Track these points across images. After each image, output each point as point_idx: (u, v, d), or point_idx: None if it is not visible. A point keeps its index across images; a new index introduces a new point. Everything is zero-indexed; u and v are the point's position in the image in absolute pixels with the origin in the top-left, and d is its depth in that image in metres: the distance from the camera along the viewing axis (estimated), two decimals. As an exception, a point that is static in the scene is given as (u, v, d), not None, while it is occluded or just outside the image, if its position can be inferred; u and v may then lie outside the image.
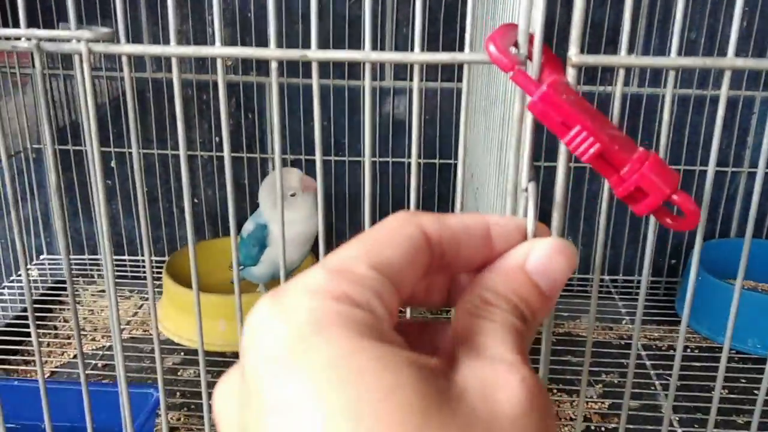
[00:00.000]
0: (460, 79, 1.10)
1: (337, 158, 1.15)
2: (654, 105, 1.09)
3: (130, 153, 1.15)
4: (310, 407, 0.16)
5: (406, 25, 1.08)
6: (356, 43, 1.06)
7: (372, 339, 0.18)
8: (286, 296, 0.19)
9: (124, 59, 0.33)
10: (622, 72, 0.32)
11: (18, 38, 0.33)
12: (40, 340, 0.86)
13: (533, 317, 0.22)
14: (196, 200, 1.18)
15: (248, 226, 0.99)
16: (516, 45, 0.32)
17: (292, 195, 0.94)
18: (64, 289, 1.15)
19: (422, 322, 0.25)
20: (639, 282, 1.18)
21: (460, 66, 1.13)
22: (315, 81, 0.33)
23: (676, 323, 1.08)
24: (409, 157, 1.15)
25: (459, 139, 1.09)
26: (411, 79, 1.10)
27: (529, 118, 0.33)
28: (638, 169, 0.30)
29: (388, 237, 0.21)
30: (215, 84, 1.11)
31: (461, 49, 1.08)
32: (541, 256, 0.23)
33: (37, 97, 1.14)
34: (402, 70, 1.10)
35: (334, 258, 0.20)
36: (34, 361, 0.94)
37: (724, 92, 0.34)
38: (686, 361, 0.97)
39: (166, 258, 1.06)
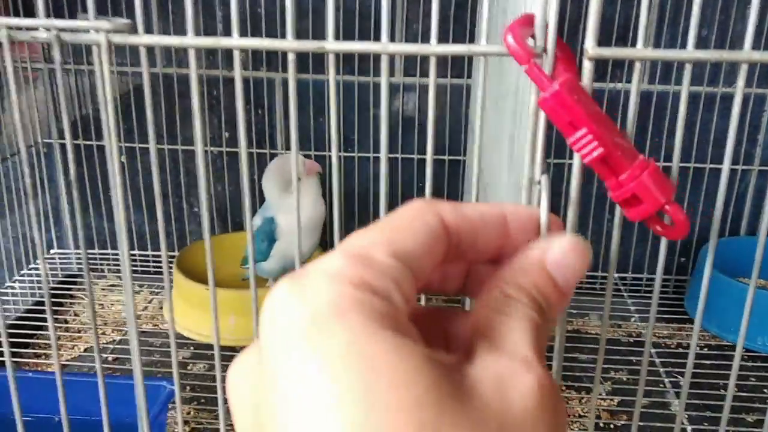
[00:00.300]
0: (469, 76, 1.09)
1: (346, 154, 1.15)
2: (664, 102, 1.08)
3: (141, 148, 1.15)
4: (324, 391, 0.16)
5: (416, 22, 1.08)
6: (366, 38, 1.06)
7: (388, 329, 0.18)
8: (305, 279, 0.19)
9: (142, 50, 0.34)
10: (638, 65, 0.32)
11: (36, 29, 0.33)
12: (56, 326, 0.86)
13: (550, 311, 0.23)
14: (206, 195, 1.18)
15: (256, 221, 0.99)
16: (533, 37, 0.32)
17: (297, 180, 0.94)
18: (75, 283, 1.16)
19: (436, 309, 0.25)
20: (648, 280, 1.18)
21: (470, 62, 1.13)
22: (332, 73, 0.33)
23: (685, 321, 1.08)
24: (419, 153, 1.15)
25: (468, 136, 1.09)
26: (420, 75, 1.10)
27: (543, 111, 0.33)
28: (637, 176, 0.30)
29: (407, 224, 0.21)
30: (225, 79, 1.12)
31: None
32: (557, 253, 0.23)
33: (46, 90, 1.15)
34: (412, 67, 1.10)
35: (353, 243, 0.20)
36: (45, 354, 0.94)
37: (740, 86, 0.34)
38: (695, 359, 0.96)
39: (176, 253, 1.07)
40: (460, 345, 0.24)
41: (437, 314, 0.25)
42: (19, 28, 0.33)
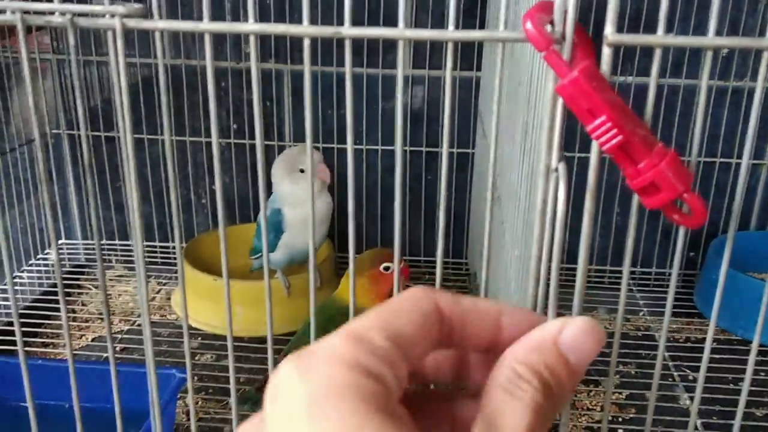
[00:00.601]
0: (479, 69, 1.09)
1: (355, 146, 1.14)
2: (674, 95, 1.08)
3: (149, 139, 1.15)
4: None
5: (425, 12, 1.07)
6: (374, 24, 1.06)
7: (380, 413, 0.19)
8: (308, 359, 0.21)
9: (157, 35, 0.33)
10: (658, 52, 0.32)
11: (50, 13, 0.33)
12: (59, 323, 0.86)
13: (560, 392, 0.24)
14: (213, 187, 1.18)
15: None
16: (552, 23, 0.32)
17: (302, 171, 0.95)
18: (82, 273, 1.16)
19: (444, 392, 0.28)
20: (657, 274, 1.17)
21: (479, 55, 1.12)
22: (348, 60, 0.33)
23: (694, 315, 1.07)
24: (427, 146, 1.14)
25: (477, 128, 1.08)
26: (429, 68, 1.10)
27: (561, 98, 0.32)
28: (656, 164, 0.30)
29: (404, 310, 0.23)
30: (233, 71, 1.11)
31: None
32: (573, 333, 0.25)
33: (54, 81, 1.15)
34: (420, 59, 1.10)
35: (355, 325, 0.22)
36: (52, 343, 0.94)
37: (762, 74, 0.33)
38: (703, 353, 0.96)
39: (184, 244, 1.07)
40: (466, 426, 0.26)
41: (444, 397, 0.27)
42: (31, 12, 0.33)
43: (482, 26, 1.06)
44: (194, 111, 1.14)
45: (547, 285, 0.36)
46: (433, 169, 1.17)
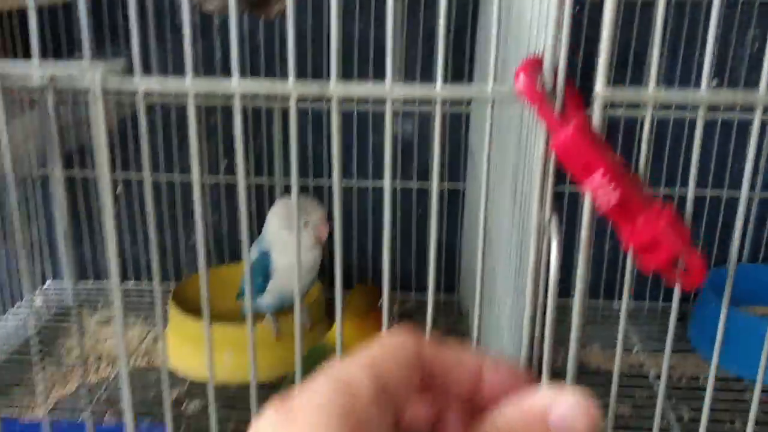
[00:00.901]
0: (469, 103, 1.09)
1: (344, 182, 1.14)
2: (664, 129, 1.08)
3: (138, 176, 1.14)
4: None
5: (415, 62, 1.07)
6: (365, 62, 1.06)
7: None
8: (292, 407, 0.20)
9: (139, 95, 0.33)
10: (650, 109, 0.31)
11: (29, 74, 0.32)
12: (43, 367, 0.84)
13: None
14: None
15: (252, 253, 0.97)
16: (541, 78, 0.32)
17: (305, 223, 0.93)
18: (70, 314, 1.14)
19: None
20: (648, 308, 1.16)
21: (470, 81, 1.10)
22: (335, 118, 0.32)
23: (688, 351, 1.06)
24: (418, 179, 1.14)
25: (468, 162, 1.06)
26: (419, 104, 1.10)
27: (553, 153, 0.32)
28: (654, 221, 0.29)
29: (392, 353, 0.23)
30: (223, 108, 1.11)
31: (470, 78, 1.06)
32: (565, 411, 0.24)
33: (42, 117, 1.13)
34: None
35: (341, 369, 0.21)
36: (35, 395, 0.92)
37: (756, 126, 0.33)
38: (698, 390, 0.95)
39: (171, 287, 1.05)
40: None
41: None
42: (9, 75, 0.32)
43: (472, 57, 1.06)
44: (184, 147, 1.13)
45: (542, 337, 0.35)
46: (424, 203, 1.16)
